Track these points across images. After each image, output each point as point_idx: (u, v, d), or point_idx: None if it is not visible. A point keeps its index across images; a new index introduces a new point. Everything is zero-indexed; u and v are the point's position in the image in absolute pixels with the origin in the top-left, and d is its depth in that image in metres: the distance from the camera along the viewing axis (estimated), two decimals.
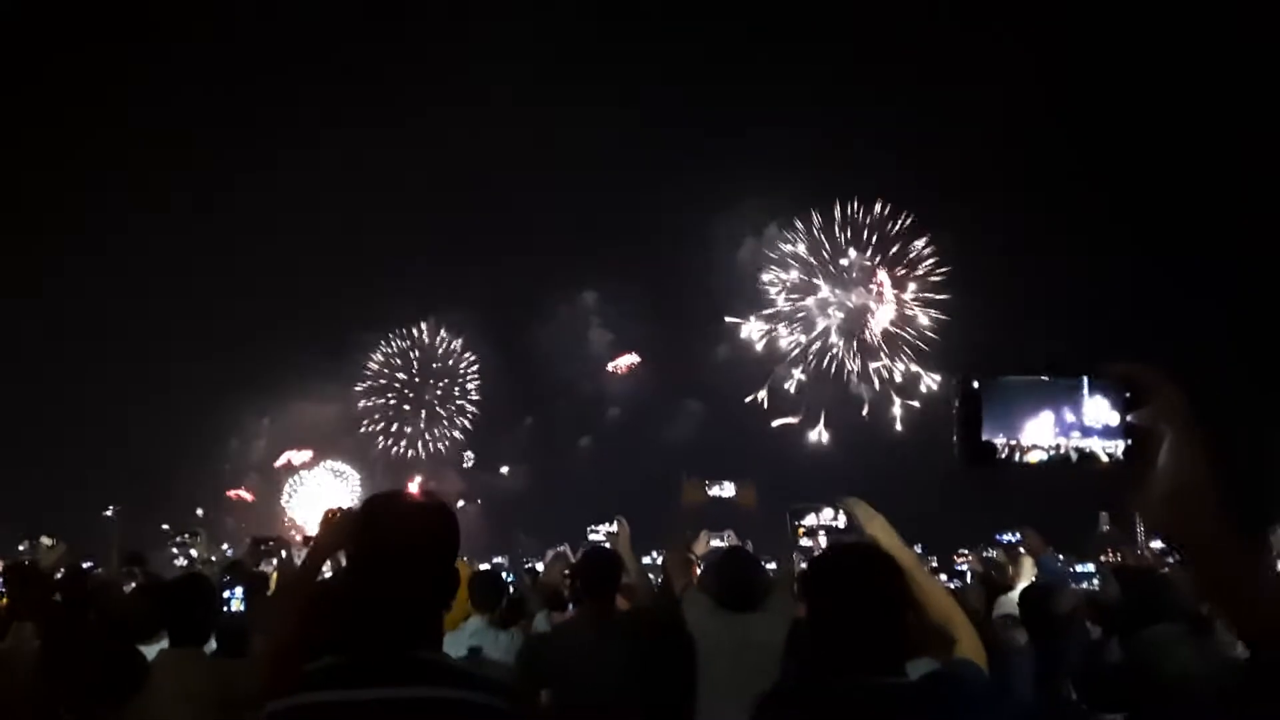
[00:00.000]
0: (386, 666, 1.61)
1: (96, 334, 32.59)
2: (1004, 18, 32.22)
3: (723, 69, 37.54)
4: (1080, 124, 33.84)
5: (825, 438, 40.27)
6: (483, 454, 42.53)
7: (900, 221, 39.89)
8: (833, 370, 41.27)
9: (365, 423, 41.91)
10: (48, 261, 33.00)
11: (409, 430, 42.45)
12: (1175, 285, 30.84)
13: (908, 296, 40.53)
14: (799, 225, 40.90)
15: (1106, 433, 1.16)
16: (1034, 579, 6.00)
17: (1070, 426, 1.16)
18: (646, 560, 7.00)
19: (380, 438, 41.96)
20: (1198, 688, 2.83)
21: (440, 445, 42.52)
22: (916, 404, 40.06)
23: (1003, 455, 1.16)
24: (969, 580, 9.39)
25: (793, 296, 41.30)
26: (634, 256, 37.43)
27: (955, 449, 1.17)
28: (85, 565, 8.34)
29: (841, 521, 4.02)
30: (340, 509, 2.32)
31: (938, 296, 40.03)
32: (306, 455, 39.79)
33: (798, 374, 41.20)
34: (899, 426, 40.14)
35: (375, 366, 42.95)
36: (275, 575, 5.11)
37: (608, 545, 5.26)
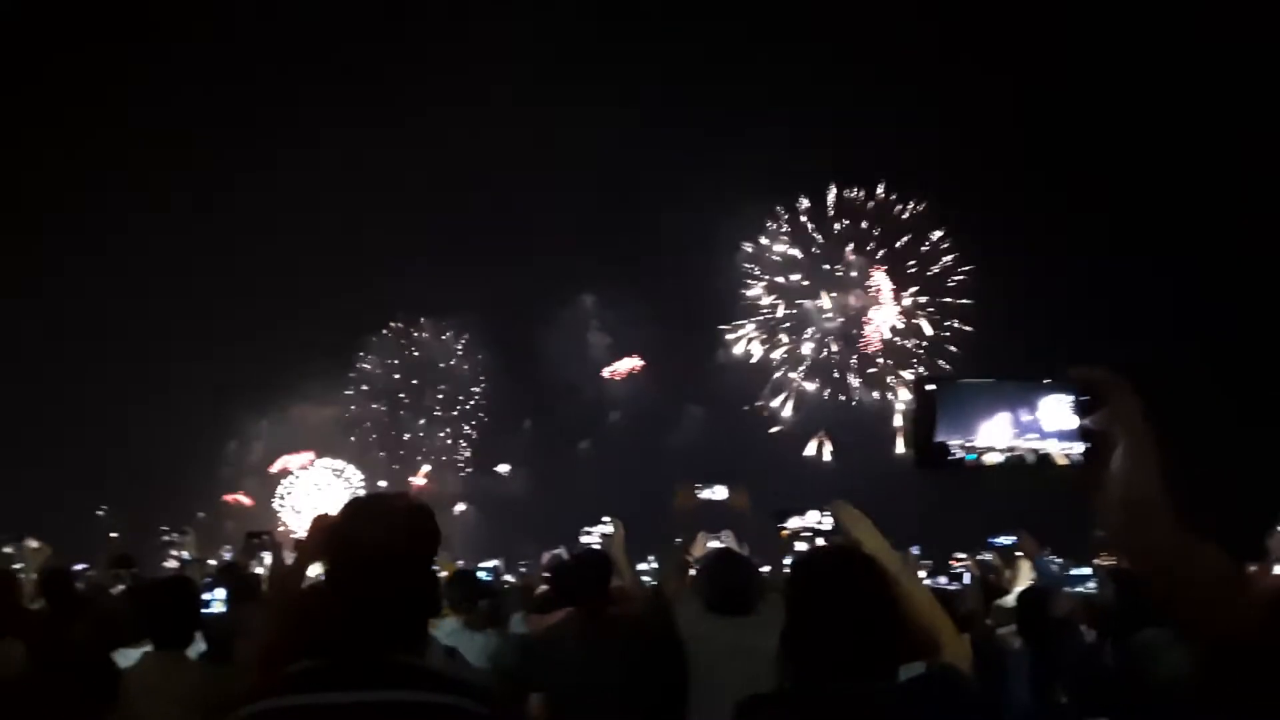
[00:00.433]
0: (364, 670, 1.60)
1: (95, 334, 32.58)
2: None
3: (724, 69, 37.50)
4: (1082, 121, 33.76)
5: (827, 452, 40.11)
6: (481, 456, 42.56)
7: (901, 215, 39.87)
8: (833, 376, 41.20)
9: (364, 425, 41.92)
10: (47, 261, 33.04)
11: (407, 434, 42.45)
12: (1171, 283, 30.81)
13: (906, 301, 40.48)
14: (792, 228, 40.91)
15: (1064, 435, 1.16)
16: (1032, 582, 6.00)
17: (1027, 428, 1.16)
18: (643, 566, 6.99)
19: (379, 439, 41.97)
20: (1189, 691, 2.83)
21: (439, 447, 42.50)
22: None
23: (956, 457, 1.16)
24: (965, 582, 9.38)
25: (795, 302, 41.28)
26: (634, 259, 37.41)
27: (909, 451, 1.18)
28: (79, 567, 8.34)
29: (826, 524, 4.01)
30: (328, 514, 2.31)
31: (950, 301, 39.83)
32: (304, 459, 39.79)
33: (796, 378, 41.17)
34: (898, 425, 40.04)
35: (375, 368, 42.99)
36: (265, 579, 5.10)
37: (600, 547, 5.26)
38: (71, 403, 32.65)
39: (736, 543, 6.21)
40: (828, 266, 41.09)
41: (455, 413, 42.80)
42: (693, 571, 4.62)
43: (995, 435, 1.16)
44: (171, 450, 34.34)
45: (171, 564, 8.51)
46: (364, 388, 42.70)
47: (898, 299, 40.91)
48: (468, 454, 42.61)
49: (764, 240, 41.08)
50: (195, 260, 34.56)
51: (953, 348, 39.40)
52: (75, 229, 33.57)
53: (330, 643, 1.66)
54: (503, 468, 42.31)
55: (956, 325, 39.12)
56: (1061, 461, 1.15)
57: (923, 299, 40.39)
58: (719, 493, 4.53)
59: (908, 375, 39.10)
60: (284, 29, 34.14)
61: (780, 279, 41.33)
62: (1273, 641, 1.00)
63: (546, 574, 7.04)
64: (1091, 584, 8.78)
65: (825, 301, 41.08)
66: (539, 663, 3.92)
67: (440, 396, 42.81)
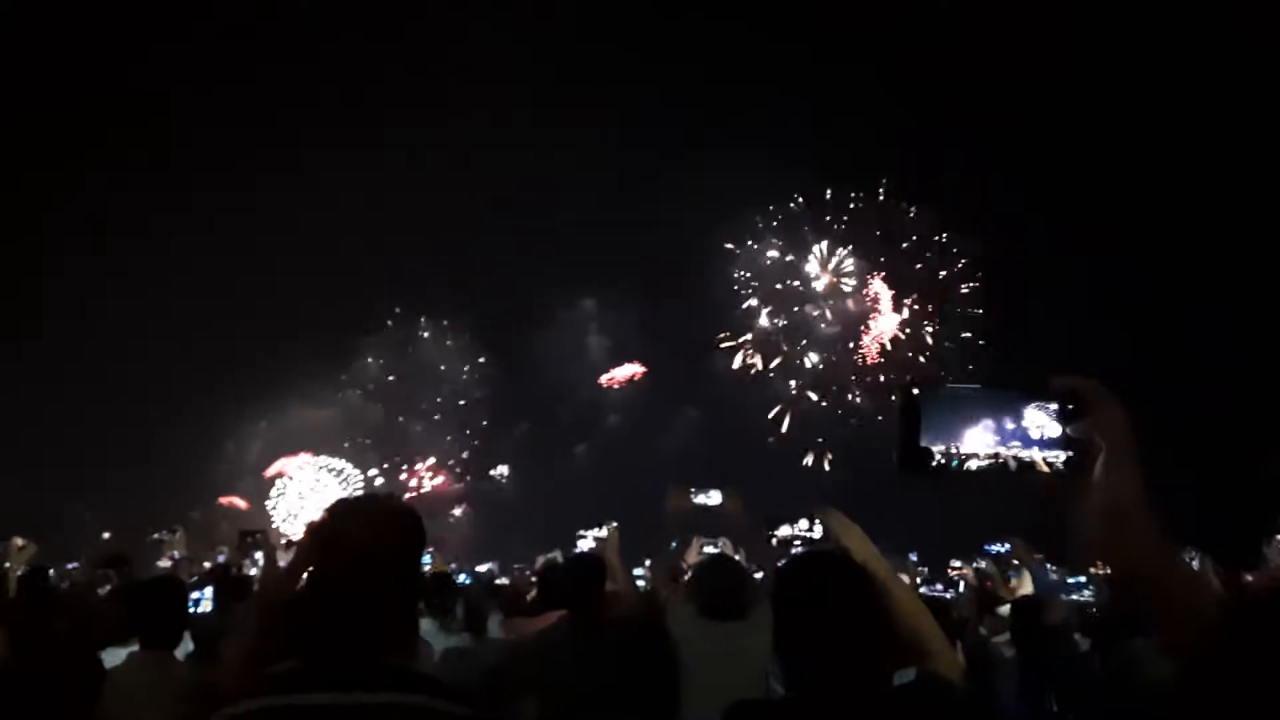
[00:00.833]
0: (346, 671, 1.59)
1: (93, 333, 32.55)
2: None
3: (724, 72, 37.54)
4: (1082, 123, 33.74)
5: (826, 461, 40.02)
6: (478, 458, 42.49)
7: (903, 220, 39.83)
8: (832, 386, 41.10)
9: (362, 426, 41.86)
10: (47, 261, 33.03)
11: (405, 436, 42.39)
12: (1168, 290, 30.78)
13: (905, 313, 40.39)
14: (790, 234, 40.87)
15: (1047, 443, 1.16)
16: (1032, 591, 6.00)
17: (1011, 435, 1.17)
18: (638, 571, 6.97)
19: (376, 441, 41.90)
20: (1172, 700, 2.81)
21: (437, 449, 42.43)
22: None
23: (940, 463, 1.16)
24: (961, 589, 9.37)
25: (793, 309, 41.23)
26: (635, 263, 37.37)
27: (894, 456, 1.18)
28: (70, 566, 8.33)
29: (816, 532, 4.01)
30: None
31: (956, 308, 39.74)
32: (299, 461, 39.73)
33: (793, 385, 41.11)
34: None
35: (372, 370, 42.97)
36: (258, 579, 5.09)
37: (595, 549, 5.24)
38: (70, 402, 32.63)
39: (732, 549, 6.20)
40: (827, 275, 41.11)
41: (451, 414, 42.76)
42: (687, 576, 4.61)
43: (979, 442, 1.17)
44: (168, 450, 34.29)
45: (165, 563, 8.48)
46: (362, 388, 42.67)
47: (897, 308, 40.88)
48: (465, 456, 42.57)
49: (755, 245, 41.12)
50: (195, 259, 34.54)
51: (950, 343, 39.36)
52: (72, 227, 33.59)
53: (314, 643, 1.66)
54: (500, 470, 42.28)
55: (965, 335, 39.03)
56: (1044, 469, 1.16)
57: (926, 307, 40.35)
58: (713, 497, 4.52)
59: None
60: (289, 25, 34.22)
61: (779, 285, 41.34)
62: (1248, 649, 1.00)
63: (535, 576, 7.03)
64: (1088, 592, 8.77)
65: (827, 314, 41.05)
66: (533, 665, 3.91)
67: (439, 400, 42.78)
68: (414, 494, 39.39)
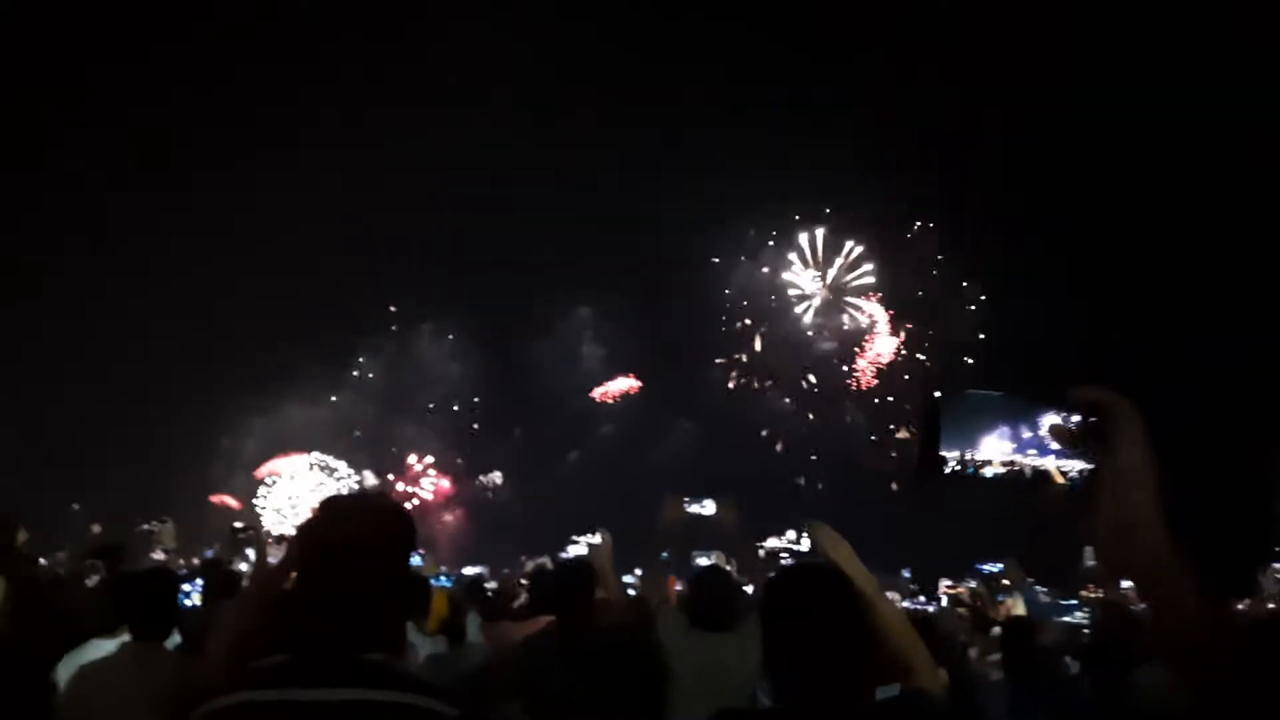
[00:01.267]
0: (331, 667, 1.59)
1: (92, 333, 32.46)
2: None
3: (725, 79, 37.59)
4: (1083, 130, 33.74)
5: (821, 478, 39.89)
6: (471, 463, 42.40)
7: (901, 241, 39.84)
8: (827, 404, 41.00)
9: (356, 430, 41.79)
10: (48, 261, 32.96)
11: (399, 438, 42.30)
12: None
13: (903, 335, 40.32)
14: (791, 250, 40.88)
15: (1063, 453, 1.15)
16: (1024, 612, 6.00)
17: (1028, 444, 1.16)
18: (629, 579, 6.96)
19: (370, 443, 41.82)
20: None
21: (429, 451, 42.34)
22: (905, 434, 39.69)
23: (955, 468, 1.16)
24: (943, 606, 9.37)
25: (790, 326, 41.21)
26: (630, 272, 37.38)
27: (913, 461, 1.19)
28: (59, 556, 8.28)
29: (804, 545, 4.01)
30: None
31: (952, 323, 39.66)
32: (292, 461, 39.64)
33: (789, 401, 41.05)
34: (893, 456, 39.90)
35: (368, 371, 42.95)
36: (248, 575, 5.06)
37: (585, 556, 5.22)
38: (70, 401, 32.54)
39: (725, 561, 6.20)
40: (824, 293, 41.11)
41: (445, 418, 42.69)
42: (679, 586, 4.60)
43: (995, 449, 1.17)
44: (163, 447, 34.20)
45: (159, 555, 8.46)
46: (357, 391, 42.63)
47: (894, 330, 40.83)
48: (458, 460, 42.49)
49: (752, 260, 41.15)
50: (194, 259, 34.48)
51: (947, 357, 39.21)
52: (71, 226, 33.55)
53: (303, 640, 1.65)
54: (493, 475, 42.20)
55: (963, 359, 38.85)
56: (1059, 479, 1.15)
57: (925, 330, 40.28)
58: (708, 507, 4.52)
59: (907, 407, 38.87)
60: (289, 26, 34.26)
61: (773, 300, 41.34)
62: (1249, 673, 0.99)
63: (525, 581, 7.01)
64: (1080, 613, 8.77)
65: (824, 333, 41.03)
66: (516, 670, 3.89)
67: (431, 405, 42.71)
68: (407, 495, 39.29)
